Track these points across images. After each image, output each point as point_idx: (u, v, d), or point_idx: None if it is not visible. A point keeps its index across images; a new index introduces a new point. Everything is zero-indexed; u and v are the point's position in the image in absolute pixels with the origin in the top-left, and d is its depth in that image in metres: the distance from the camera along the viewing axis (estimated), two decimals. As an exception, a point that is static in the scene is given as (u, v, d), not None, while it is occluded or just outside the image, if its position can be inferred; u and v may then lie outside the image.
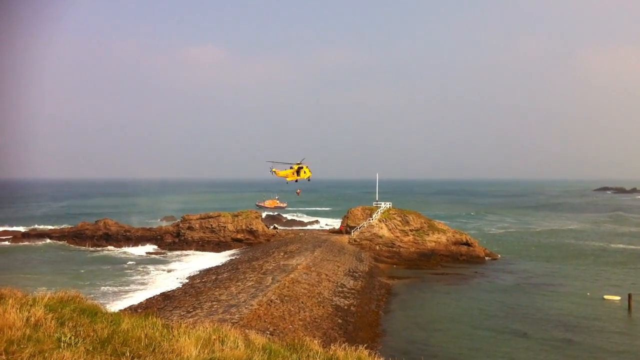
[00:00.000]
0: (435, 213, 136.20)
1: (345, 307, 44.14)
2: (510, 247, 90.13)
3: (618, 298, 51.78)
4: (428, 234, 78.62)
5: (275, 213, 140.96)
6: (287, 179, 57.39)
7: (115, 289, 54.56)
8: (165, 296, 47.43)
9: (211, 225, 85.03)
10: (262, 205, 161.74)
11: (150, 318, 13.00)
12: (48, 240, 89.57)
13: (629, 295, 49.32)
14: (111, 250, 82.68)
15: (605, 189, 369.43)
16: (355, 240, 77.53)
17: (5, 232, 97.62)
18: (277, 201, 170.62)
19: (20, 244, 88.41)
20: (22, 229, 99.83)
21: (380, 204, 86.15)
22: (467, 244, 78.22)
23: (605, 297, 52.58)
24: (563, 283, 60.56)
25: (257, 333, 14.83)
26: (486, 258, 77.13)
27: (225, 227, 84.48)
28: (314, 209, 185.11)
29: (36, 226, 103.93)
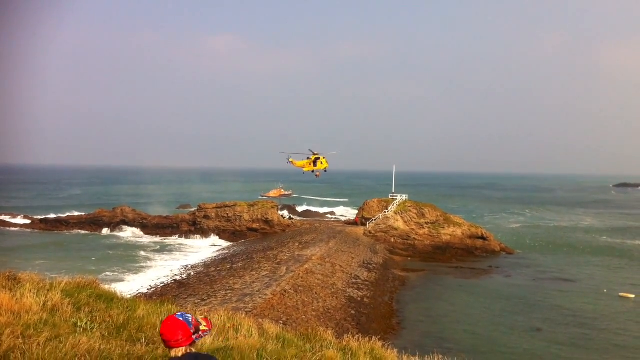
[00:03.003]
0: (451, 206, 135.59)
1: (359, 299, 44.18)
2: (527, 242, 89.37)
3: (633, 296, 51.32)
4: (443, 227, 78.26)
5: (292, 203, 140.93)
6: (304, 170, 57.40)
7: (130, 275, 55.10)
8: (180, 284, 47.78)
9: (227, 214, 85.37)
10: (267, 195, 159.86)
11: (165, 305, 13.12)
12: (65, 227, 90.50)
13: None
14: (127, 236, 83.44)
15: (624, 185, 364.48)
16: (370, 232, 77.43)
17: (25, 217, 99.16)
18: (282, 190, 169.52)
19: (38, 230, 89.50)
20: (40, 216, 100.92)
21: (397, 196, 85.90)
22: (483, 237, 77.74)
23: (621, 294, 52.13)
24: (579, 279, 60.03)
25: (271, 322, 14.85)
26: (502, 252, 76.61)
27: (241, 216, 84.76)
28: (329, 199, 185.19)
29: (53, 214, 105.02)
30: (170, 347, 5.13)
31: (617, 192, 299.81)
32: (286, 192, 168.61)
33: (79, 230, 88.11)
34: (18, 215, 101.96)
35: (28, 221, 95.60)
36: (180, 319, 5.13)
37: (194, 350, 5.17)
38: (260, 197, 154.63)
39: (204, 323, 5.27)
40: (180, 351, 5.10)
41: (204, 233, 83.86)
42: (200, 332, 5.21)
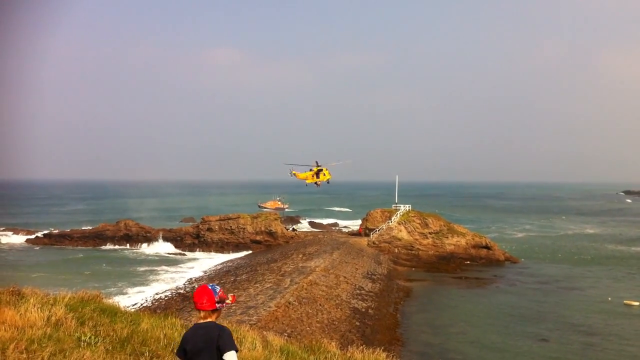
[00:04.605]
0: (455, 216, 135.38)
1: (363, 310, 44.02)
2: (531, 251, 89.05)
3: (637, 303, 51.11)
4: (447, 237, 78.08)
5: (295, 215, 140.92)
6: (307, 181, 57.38)
7: (134, 289, 55.04)
8: (184, 297, 47.73)
9: (230, 226, 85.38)
10: (264, 206, 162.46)
11: (169, 318, 13.12)
12: (69, 241, 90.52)
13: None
14: (131, 250, 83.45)
15: (629, 192, 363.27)
16: (374, 243, 77.28)
17: (28, 232, 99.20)
18: (279, 202, 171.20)
19: (41, 245, 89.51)
20: (43, 230, 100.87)
21: (400, 206, 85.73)
22: (487, 247, 77.53)
23: (625, 302, 51.91)
24: (584, 287, 59.75)
25: (275, 335, 14.84)
26: (506, 262, 76.32)
27: (244, 228, 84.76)
28: (332, 210, 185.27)
29: (56, 228, 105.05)
30: (197, 309, 6.48)
31: (621, 199, 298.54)
32: (282, 206, 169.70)
33: (83, 245, 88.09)
34: (21, 230, 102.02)
35: (31, 236, 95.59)
36: (209, 287, 6.48)
37: (214, 317, 6.49)
38: (258, 207, 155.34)
39: (230, 298, 6.65)
40: (202, 313, 6.46)
41: (208, 246, 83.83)
42: (224, 303, 6.53)
